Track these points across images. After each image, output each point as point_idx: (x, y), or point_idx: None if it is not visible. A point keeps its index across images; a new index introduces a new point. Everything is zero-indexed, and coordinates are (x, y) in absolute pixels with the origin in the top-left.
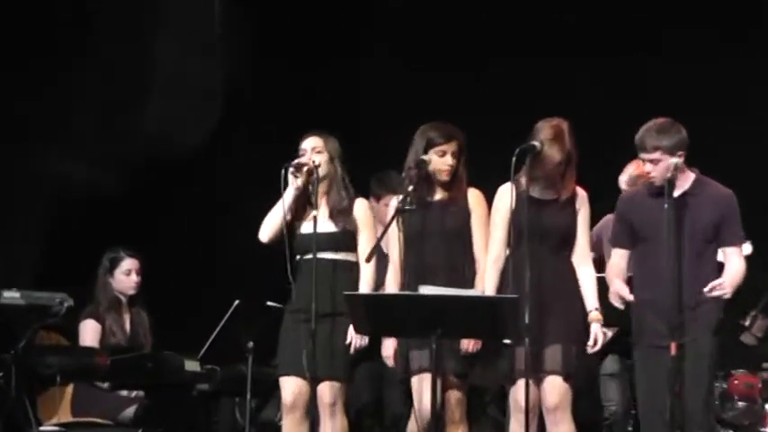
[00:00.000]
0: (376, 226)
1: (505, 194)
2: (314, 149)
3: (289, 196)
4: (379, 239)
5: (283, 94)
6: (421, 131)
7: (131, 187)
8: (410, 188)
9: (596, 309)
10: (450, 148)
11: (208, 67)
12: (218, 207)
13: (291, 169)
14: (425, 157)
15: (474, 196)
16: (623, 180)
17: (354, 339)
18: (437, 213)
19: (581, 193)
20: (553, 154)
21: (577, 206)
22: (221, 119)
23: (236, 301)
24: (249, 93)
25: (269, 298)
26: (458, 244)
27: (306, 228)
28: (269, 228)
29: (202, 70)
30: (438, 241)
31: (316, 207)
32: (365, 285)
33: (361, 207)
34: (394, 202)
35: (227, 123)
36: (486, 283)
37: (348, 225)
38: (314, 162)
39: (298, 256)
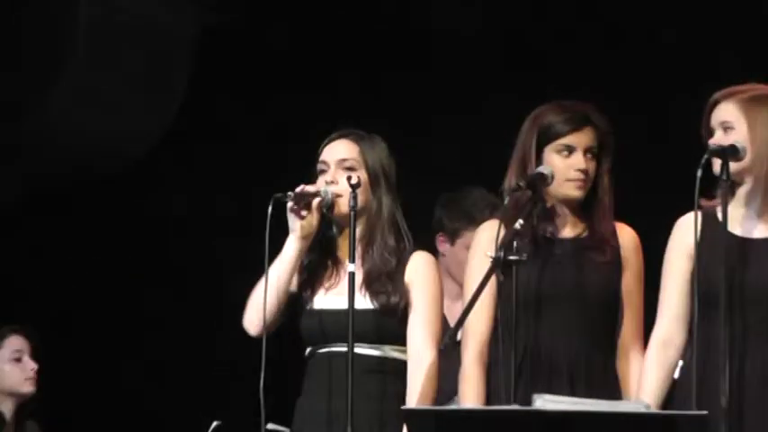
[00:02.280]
0: (443, 293)
1: (687, 232)
2: (342, 164)
3: (288, 255)
4: (465, 314)
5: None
6: (534, 117)
7: (30, 220)
8: (519, 223)
9: None
10: (583, 140)
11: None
12: (180, 248)
13: (290, 204)
14: (544, 170)
15: (629, 237)
16: None
17: None
18: (568, 264)
19: None
20: None
21: None
22: (185, 105)
23: (215, 423)
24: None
25: (272, 418)
26: (604, 319)
27: (323, 300)
28: (258, 311)
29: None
30: (570, 315)
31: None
32: (471, 397)
33: (422, 266)
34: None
35: (196, 110)
36: (646, 385)
37: (394, 297)
38: (333, 193)
39: (308, 349)
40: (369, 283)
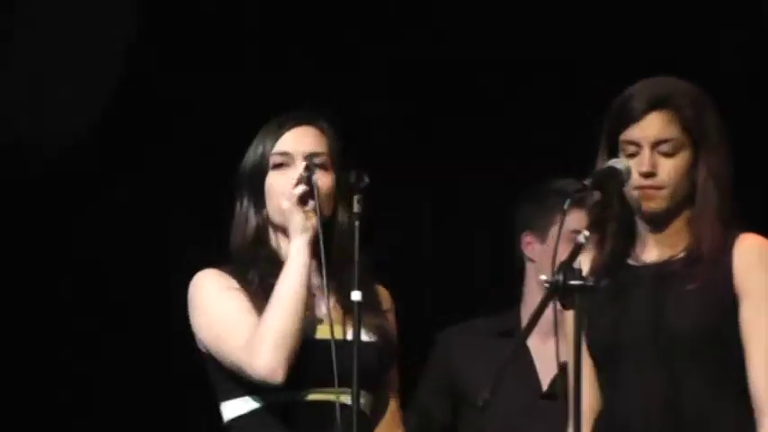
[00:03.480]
0: None
1: None
2: (312, 159)
3: (302, 267)
4: (508, 360)
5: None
6: (613, 107)
7: None
8: (583, 235)
9: None
10: (649, 131)
11: None
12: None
13: (301, 189)
14: (617, 164)
15: (744, 251)
16: None
17: None
18: (642, 298)
19: None
20: None
21: None
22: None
23: None
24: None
25: None
26: (709, 366)
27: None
28: (287, 345)
29: None
30: (656, 363)
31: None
32: None
33: (386, 293)
34: None
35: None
36: None
37: (389, 331)
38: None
39: (258, 397)
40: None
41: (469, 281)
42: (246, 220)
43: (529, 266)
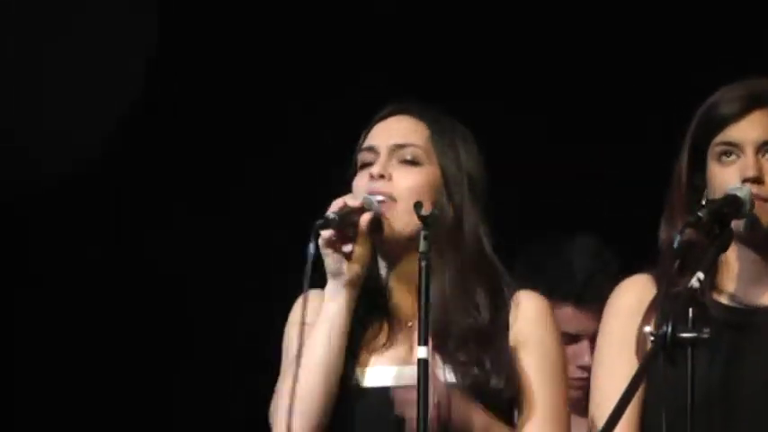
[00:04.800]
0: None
1: None
2: (398, 153)
3: (335, 317)
4: (609, 427)
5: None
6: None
7: None
8: (697, 278)
9: None
10: (751, 131)
11: None
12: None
13: (327, 234)
14: (739, 192)
15: None
16: None
17: None
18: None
19: None
20: None
21: None
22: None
23: None
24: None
25: None
26: None
27: (377, 374)
28: (307, 412)
29: None
30: None
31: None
32: None
33: (534, 315)
34: None
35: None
36: None
37: (495, 376)
38: (379, 201)
39: None
40: (445, 349)
41: None
42: None
43: None
